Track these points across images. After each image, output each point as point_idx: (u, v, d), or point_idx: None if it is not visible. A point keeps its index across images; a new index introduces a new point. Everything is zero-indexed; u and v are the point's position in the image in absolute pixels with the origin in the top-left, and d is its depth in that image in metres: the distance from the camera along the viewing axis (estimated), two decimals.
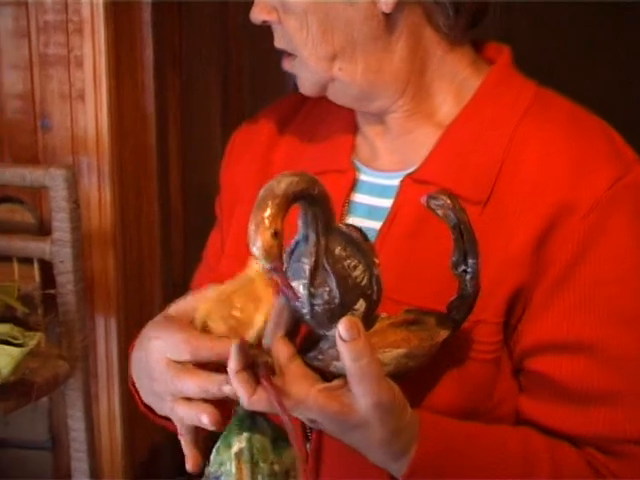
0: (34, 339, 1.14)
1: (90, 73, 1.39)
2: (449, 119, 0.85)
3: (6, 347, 1.12)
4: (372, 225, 0.84)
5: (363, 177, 0.88)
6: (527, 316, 0.79)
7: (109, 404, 1.50)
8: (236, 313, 0.74)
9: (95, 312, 1.46)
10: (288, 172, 0.67)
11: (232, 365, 0.66)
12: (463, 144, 0.83)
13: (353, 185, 0.88)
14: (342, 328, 0.65)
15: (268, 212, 0.64)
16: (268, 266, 0.66)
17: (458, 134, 0.84)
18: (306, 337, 0.71)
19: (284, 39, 0.84)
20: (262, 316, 0.74)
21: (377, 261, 0.70)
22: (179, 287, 1.62)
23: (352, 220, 0.87)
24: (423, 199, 0.71)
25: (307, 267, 0.68)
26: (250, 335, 0.74)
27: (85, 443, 1.36)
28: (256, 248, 0.65)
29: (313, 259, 0.68)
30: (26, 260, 1.39)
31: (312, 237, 0.68)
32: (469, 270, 0.72)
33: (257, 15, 0.84)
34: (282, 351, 0.68)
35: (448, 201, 0.70)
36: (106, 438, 1.52)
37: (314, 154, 0.91)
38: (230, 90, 1.85)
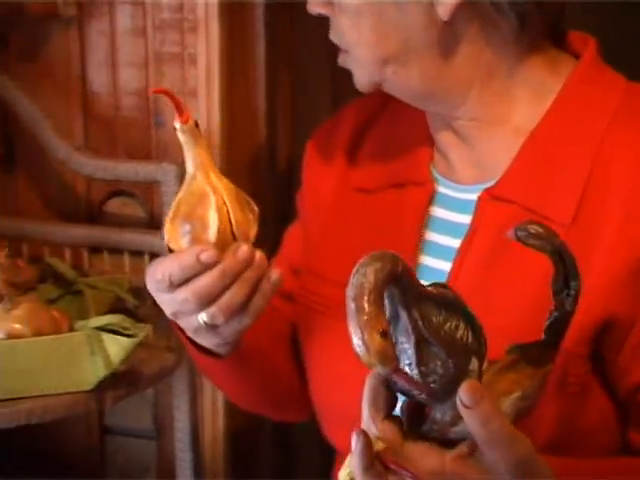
0: (144, 330, 1.18)
1: (203, 71, 1.43)
2: (529, 125, 0.81)
3: (117, 337, 1.17)
4: (452, 243, 0.82)
5: (442, 189, 0.86)
6: (632, 351, 0.75)
7: (212, 396, 1.54)
8: (187, 224, 0.73)
9: None
10: (366, 257, 0.63)
11: (359, 464, 0.62)
12: (545, 156, 0.79)
13: (432, 198, 0.85)
14: (464, 395, 0.62)
15: (368, 312, 0.61)
16: (385, 371, 0.62)
17: (539, 144, 0.80)
18: (407, 410, 0.68)
19: (337, 34, 0.83)
20: (213, 211, 0.73)
21: (473, 312, 0.66)
22: None
23: (431, 235, 0.85)
24: (510, 233, 0.67)
25: (409, 346, 0.64)
26: (211, 236, 0.73)
27: (189, 434, 1.40)
28: (368, 355, 0.61)
29: (413, 336, 0.64)
30: (137, 253, 1.44)
31: (403, 314, 0.64)
32: (571, 292, 0.68)
33: (313, 6, 0.83)
34: (393, 434, 0.64)
35: (540, 230, 0.66)
36: (209, 430, 1.56)
37: (394, 163, 0.89)
38: (339, 88, 1.87)
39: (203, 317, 0.75)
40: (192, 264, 0.72)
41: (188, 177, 0.76)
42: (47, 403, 1.17)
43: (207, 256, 0.71)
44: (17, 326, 1.18)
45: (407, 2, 0.77)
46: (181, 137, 0.76)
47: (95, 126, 1.53)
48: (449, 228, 0.84)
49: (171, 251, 0.75)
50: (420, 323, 0.63)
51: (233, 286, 0.74)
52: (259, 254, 0.75)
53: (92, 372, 1.18)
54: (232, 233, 0.74)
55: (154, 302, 1.37)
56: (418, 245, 0.85)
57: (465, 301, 0.66)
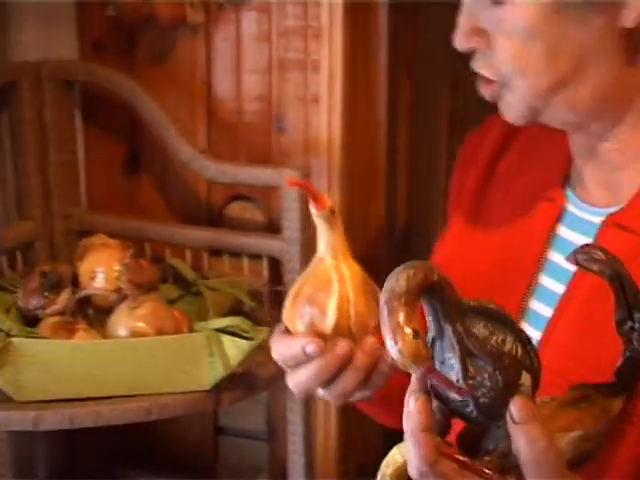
0: (262, 333, 1.19)
1: (325, 77, 1.45)
2: None
3: (236, 339, 1.19)
4: (569, 265, 0.77)
5: (571, 208, 0.84)
6: None
7: (325, 400, 1.55)
8: (307, 307, 0.73)
9: None
10: (400, 267, 0.62)
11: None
12: None
13: (560, 216, 0.84)
14: (514, 409, 0.60)
15: (400, 314, 0.60)
16: (420, 371, 0.62)
17: None
18: (461, 441, 0.66)
19: (492, 66, 0.77)
20: (334, 301, 0.72)
21: (521, 327, 0.65)
22: None
23: (552, 254, 0.83)
24: (570, 257, 0.65)
25: (455, 361, 0.63)
26: (327, 326, 0.72)
27: (302, 436, 1.42)
28: (401, 356, 0.60)
29: (458, 350, 0.63)
30: (255, 257, 1.47)
31: (448, 328, 0.63)
32: (636, 326, 0.66)
33: (463, 43, 0.77)
34: (451, 467, 0.62)
35: (600, 253, 0.65)
36: (321, 433, 1.57)
37: (529, 176, 0.88)
38: (458, 96, 1.86)
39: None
40: (299, 355, 0.74)
41: (317, 258, 0.75)
42: (166, 401, 1.20)
43: (312, 350, 0.72)
44: (140, 325, 1.21)
45: (592, 10, 0.71)
46: (317, 222, 0.76)
47: (218, 130, 1.56)
48: (570, 249, 0.82)
49: (288, 330, 0.77)
50: (464, 336, 0.62)
51: (346, 373, 0.74)
52: (370, 340, 0.74)
53: (210, 373, 1.21)
54: (349, 326, 0.74)
55: (272, 305, 1.42)
56: (538, 263, 0.84)
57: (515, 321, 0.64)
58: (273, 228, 1.52)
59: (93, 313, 1.30)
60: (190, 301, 1.42)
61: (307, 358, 0.73)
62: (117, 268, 1.28)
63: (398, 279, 0.61)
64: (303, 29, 1.45)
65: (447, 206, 0.99)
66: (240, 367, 1.22)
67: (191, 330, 1.27)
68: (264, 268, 1.45)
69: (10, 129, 1.52)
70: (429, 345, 0.64)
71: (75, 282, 1.33)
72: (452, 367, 0.63)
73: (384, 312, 0.61)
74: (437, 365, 0.64)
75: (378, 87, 1.55)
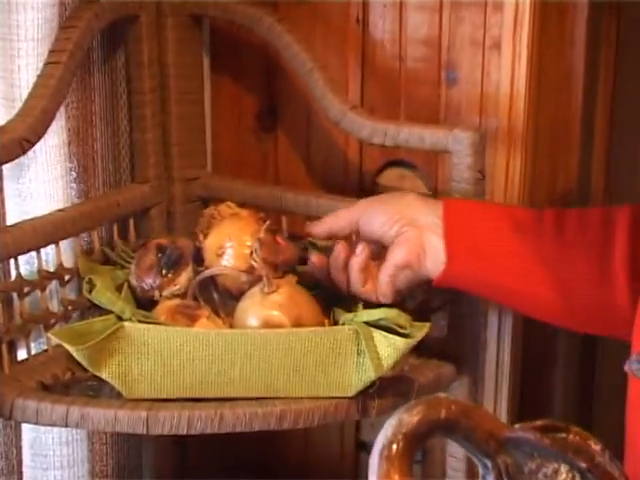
0: (422, 330, 1.18)
1: (510, 18, 1.41)
2: None
3: (390, 336, 1.18)
4: None
5: None
6: None
7: (493, 412, 1.53)
8: None
9: (488, 306, 1.49)
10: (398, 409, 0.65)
11: None
12: None
13: None
14: None
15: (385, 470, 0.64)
16: None
17: None
18: None
19: None
20: None
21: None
22: None
23: None
24: (626, 366, 0.68)
25: None
26: None
27: (464, 459, 1.41)
28: None
29: None
30: None
31: (487, 463, 0.66)
32: None
33: None
34: None
35: None
36: None
37: None
38: None
39: None
40: None
41: None
42: (301, 407, 1.21)
43: None
44: (275, 314, 1.22)
45: None
46: None
47: (374, 81, 1.55)
48: None
49: None
50: (507, 475, 0.65)
51: None
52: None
53: (357, 375, 1.20)
54: None
55: (435, 296, 1.41)
56: None
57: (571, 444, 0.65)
58: None
59: (218, 297, 1.32)
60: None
61: None
62: (249, 244, 1.29)
63: (387, 430, 0.64)
64: None
65: None
66: (392, 370, 1.22)
67: (335, 323, 1.27)
68: None
69: (126, 73, 1.55)
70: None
71: (198, 259, 1.35)
72: None
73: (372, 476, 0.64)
74: None
75: (575, 30, 1.50)
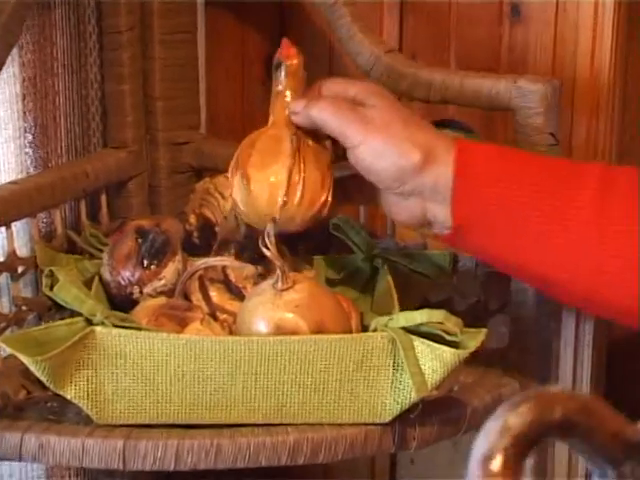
0: (476, 338, 1.18)
1: None
2: None
3: (435, 345, 1.18)
4: None
5: None
6: None
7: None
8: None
9: (561, 307, 1.49)
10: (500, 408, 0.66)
11: None
12: None
13: None
14: None
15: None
16: None
17: None
18: None
19: None
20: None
21: None
22: None
23: None
24: None
25: None
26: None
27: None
28: None
29: None
30: None
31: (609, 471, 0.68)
32: None
33: None
34: None
35: None
36: None
37: None
38: None
39: None
40: None
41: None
42: (321, 436, 1.21)
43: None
44: (290, 317, 1.21)
45: None
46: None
47: (416, 18, 1.56)
48: None
49: None
50: None
51: None
52: None
53: (393, 396, 1.21)
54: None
55: (492, 294, 1.41)
56: None
57: None
58: None
59: (217, 295, 1.32)
60: (362, 283, 1.44)
61: None
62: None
63: (489, 435, 0.65)
64: None
65: None
66: (437, 390, 1.23)
67: (364, 328, 1.28)
68: None
69: (96, 6, 1.56)
70: None
71: (190, 245, 1.36)
72: None
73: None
74: None
75: None
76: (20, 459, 1.21)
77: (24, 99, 1.45)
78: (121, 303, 1.33)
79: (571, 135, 1.46)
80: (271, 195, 1.25)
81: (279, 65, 1.31)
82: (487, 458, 0.65)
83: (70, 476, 1.64)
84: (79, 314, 1.25)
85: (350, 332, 1.26)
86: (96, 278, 1.35)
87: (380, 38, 1.50)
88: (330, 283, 1.42)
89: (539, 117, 1.34)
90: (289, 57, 1.32)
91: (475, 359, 1.23)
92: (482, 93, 1.37)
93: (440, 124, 1.56)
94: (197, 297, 1.33)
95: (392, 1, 1.57)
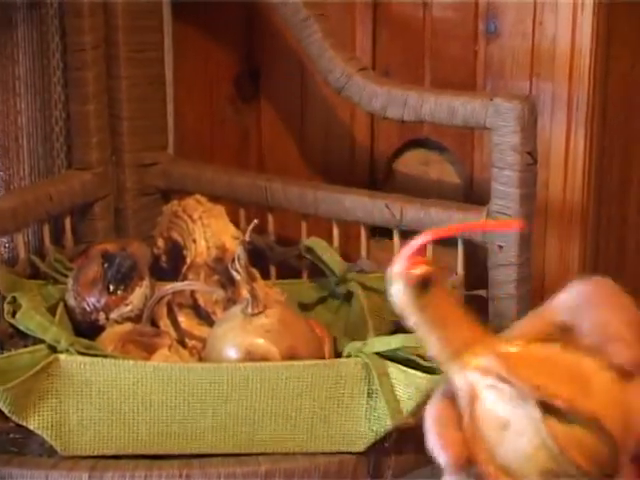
0: None
1: None
2: None
3: (410, 371, 1.18)
4: None
5: None
6: None
7: None
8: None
9: None
10: None
11: None
12: None
13: None
14: None
15: None
16: None
17: None
18: None
19: None
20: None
21: None
22: None
23: None
24: None
25: None
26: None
27: None
28: None
29: None
30: (443, 240, 1.45)
31: None
32: None
33: None
34: None
35: None
36: None
37: None
38: None
39: None
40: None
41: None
42: (294, 466, 1.20)
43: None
44: (261, 342, 1.22)
45: None
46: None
47: (389, 34, 1.56)
48: None
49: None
50: None
51: None
52: None
53: (367, 424, 1.21)
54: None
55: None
56: None
57: None
58: (473, 196, 1.51)
59: (186, 320, 1.32)
60: (335, 308, 1.44)
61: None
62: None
63: None
64: None
65: None
66: (413, 417, 1.21)
67: (338, 354, 1.27)
68: (457, 260, 1.44)
69: (59, 24, 1.55)
70: None
71: (158, 270, 1.35)
72: None
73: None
74: None
75: None
76: None
77: None
78: (86, 330, 1.32)
79: (549, 153, 1.46)
80: None
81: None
82: None
83: None
84: (42, 341, 1.25)
85: (323, 358, 1.26)
86: (60, 304, 1.35)
87: (352, 55, 1.50)
88: (303, 307, 1.42)
89: (516, 136, 1.34)
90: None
91: None
92: (457, 111, 1.37)
93: (414, 143, 1.57)
94: (165, 323, 1.32)
95: (365, 16, 1.56)
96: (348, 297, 1.43)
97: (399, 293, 0.70)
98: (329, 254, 1.43)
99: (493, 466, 0.69)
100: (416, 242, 0.70)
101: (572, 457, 0.68)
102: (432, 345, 0.72)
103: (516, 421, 0.67)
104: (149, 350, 1.25)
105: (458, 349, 0.69)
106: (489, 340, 0.69)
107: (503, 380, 0.68)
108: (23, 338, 1.31)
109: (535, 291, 1.42)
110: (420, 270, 0.69)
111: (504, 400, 0.68)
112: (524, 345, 0.69)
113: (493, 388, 0.68)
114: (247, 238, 1.26)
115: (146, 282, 1.33)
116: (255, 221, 1.28)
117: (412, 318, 0.71)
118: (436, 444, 0.70)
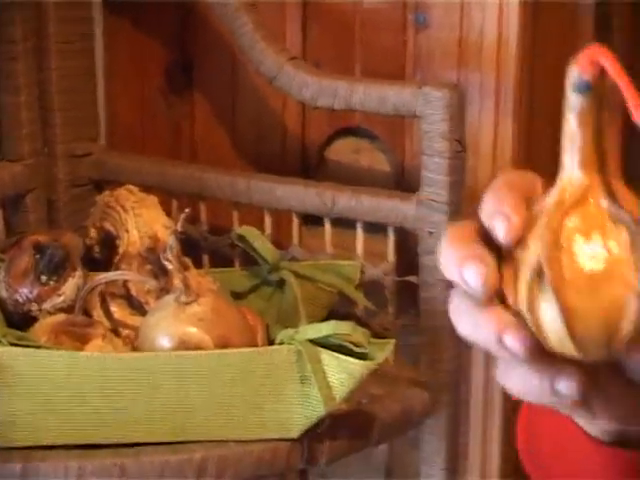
0: (385, 350, 1.19)
1: None
2: None
3: (343, 357, 1.18)
4: None
5: None
6: None
7: (483, 460, 1.54)
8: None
9: None
10: None
11: None
12: None
13: None
14: None
15: None
16: None
17: None
18: None
19: None
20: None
21: None
22: None
23: None
24: None
25: None
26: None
27: None
28: None
29: None
30: (374, 227, 1.46)
31: None
32: None
33: None
34: None
35: None
36: None
37: None
38: None
39: None
40: (491, 344, 0.73)
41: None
42: (227, 453, 1.21)
43: (514, 346, 0.71)
44: (193, 331, 1.22)
45: None
46: None
47: (319, 25, 1.56)
48: None
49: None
50: None
51: None
52: None
53: (301, 411, 1.21)
54: None
55: (399, 305, 1.41)
56: None
57: None
58: (404, 183, 1.52)
59: (119, 310, 1.32)
60: (268, 295, 1.44)
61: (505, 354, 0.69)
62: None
63: None
64: None
65: None
66: (346, 403, 1.23)
67: (270, 341, 1.28)
68: (388, 246, 1.45)
69: None
70: None
71: (90, 260, 1.35)
72: None
73: None
74: None
75: None
76: None
77: None
78: (19, 321, 1.31)
79: (478, 140, 1.47)
80: None
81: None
82: None
83: None
84: None
85: (256, 345, 1.26)
86: None
87: (283, 46, 1.50)
88: (236, 296, 1.42)
89: (444, 123, 1.35)
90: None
91: (384, 370, 1.23)
92: (387, 100, 1.38)
93: (345, 132, 1.57)
94: (98, 313, 1.32)
95: (295, 8, 1.57)
96: (280, 285, 1.43)
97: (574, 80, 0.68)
98: (261, 242, 1.44)
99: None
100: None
101: None
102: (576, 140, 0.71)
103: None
104: (82, 340, 1.25)
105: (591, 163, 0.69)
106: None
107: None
108: None
109: None
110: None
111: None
112: None
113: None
114: (179, 228, 1.26)
115: (79, 272, 1.33)
116: (187, 210, 1.28)
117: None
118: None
